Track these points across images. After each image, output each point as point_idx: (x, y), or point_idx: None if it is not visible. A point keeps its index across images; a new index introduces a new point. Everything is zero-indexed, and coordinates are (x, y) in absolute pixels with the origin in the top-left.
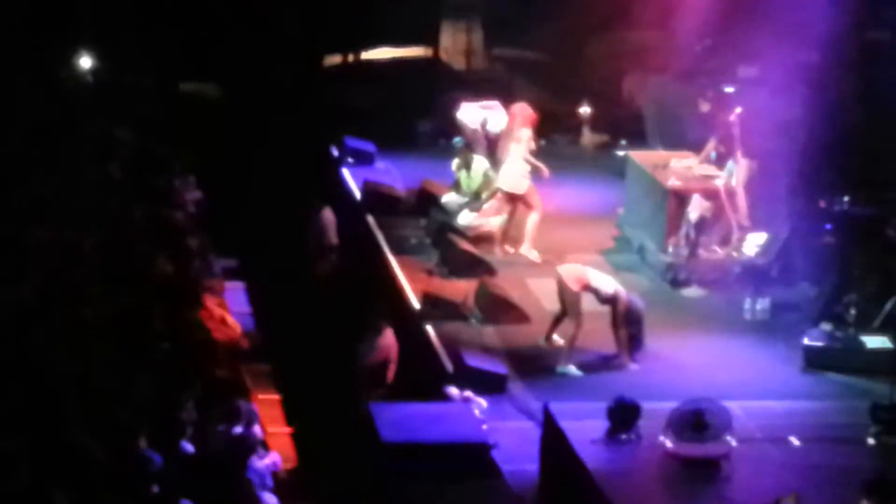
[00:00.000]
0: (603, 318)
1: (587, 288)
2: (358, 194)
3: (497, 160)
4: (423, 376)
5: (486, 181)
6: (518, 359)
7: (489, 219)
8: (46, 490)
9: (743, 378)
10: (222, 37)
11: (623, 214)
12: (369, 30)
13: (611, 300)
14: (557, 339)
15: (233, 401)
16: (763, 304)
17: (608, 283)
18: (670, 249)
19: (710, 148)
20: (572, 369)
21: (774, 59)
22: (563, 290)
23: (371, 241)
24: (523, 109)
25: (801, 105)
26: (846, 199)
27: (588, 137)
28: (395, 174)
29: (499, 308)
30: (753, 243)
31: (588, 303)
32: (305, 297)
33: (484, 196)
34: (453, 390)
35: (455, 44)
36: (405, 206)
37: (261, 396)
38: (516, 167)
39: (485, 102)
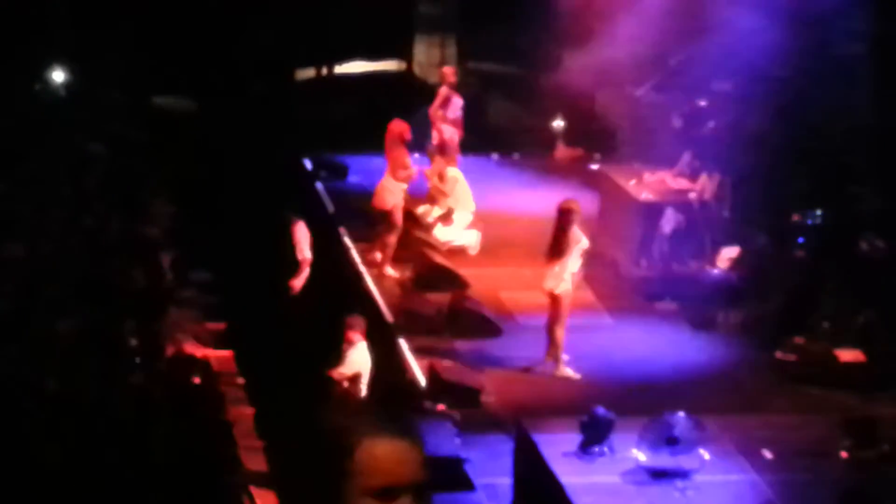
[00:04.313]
0: (588, 329)
1: None
2: (331, 208)
3: None
4: (397, 390)
5: (461, 194)
6: (491, 372)
7: (463, 232)
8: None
9: (716, 391)
10: (196, 51)
11: (597, 228)
12: (342, 43)
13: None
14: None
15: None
16: (736, 317)
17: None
18: (644, 263)
19: (684, 162)
20: (569, 371)
21: (748, 74)
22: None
23: (345, 254)
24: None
25: (774, 119)
26: (819, 212)
27: (562, 151)
28: (368, 188)
29: (472, 322)
30: (726, 257)
31: (574, 316)
32: (278, 310)
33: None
34: (427, 404)
35: (429, 57)
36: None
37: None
38: None
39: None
